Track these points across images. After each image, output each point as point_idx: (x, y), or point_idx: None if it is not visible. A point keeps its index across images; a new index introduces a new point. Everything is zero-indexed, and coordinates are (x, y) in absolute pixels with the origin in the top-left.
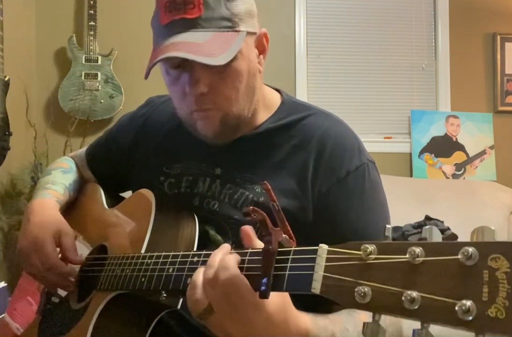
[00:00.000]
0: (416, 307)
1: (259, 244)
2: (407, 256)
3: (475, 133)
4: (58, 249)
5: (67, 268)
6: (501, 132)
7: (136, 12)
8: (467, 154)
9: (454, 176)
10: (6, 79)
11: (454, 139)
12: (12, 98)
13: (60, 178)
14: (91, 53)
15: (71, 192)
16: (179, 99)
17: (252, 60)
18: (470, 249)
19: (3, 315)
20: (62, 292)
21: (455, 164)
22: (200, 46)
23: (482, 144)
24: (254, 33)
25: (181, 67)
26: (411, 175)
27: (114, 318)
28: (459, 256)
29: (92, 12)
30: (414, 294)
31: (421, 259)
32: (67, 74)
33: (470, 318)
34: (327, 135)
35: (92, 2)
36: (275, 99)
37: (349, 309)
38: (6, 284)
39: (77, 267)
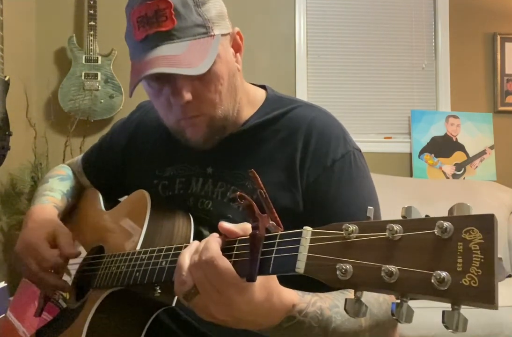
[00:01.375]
0: (394, 281)
1: (244, 230)
2: (386, 233)
3: (475, 133)
4: (56, 251)
5: (64, 264)
6: (501, 132)
7: None
8: (467, 154)
9: (454, 176)
10: (6, 79)
11: (454, 139)
12: (12, 98)
13: (58, 185)
14: (91, 53)
15: (69, 198)
16: (165, 110)
17: (230, 61)
18: (446, 223)
19: (3, 315)
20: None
21: (455, 164)
22: (179, 58)
23: (482, 144)
24: (228, 34)
25: (162, 78)
26: (411, 175)
27: (110, 316)
28: (435, 230)
29: (92, 12)
30: (393, 268)
31: (399, 234)
32: (67, 74)
33: (445, 288)
34: (312, 126)
35: (92, 2)
36: (260, 95)
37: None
38: (6, 284)
39: (75, 268)
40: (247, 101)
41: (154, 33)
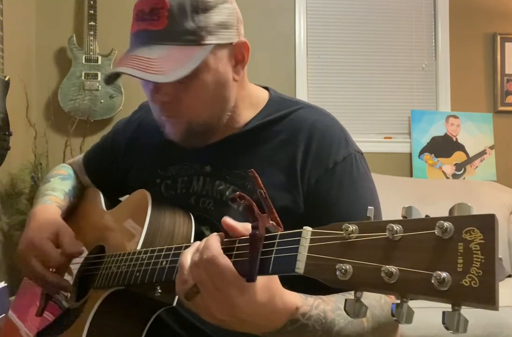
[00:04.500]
0: (394, 281)
1: (246, 229)
2: (386, 233)
3: (475, 133)
4: (59, 250)
5: (67, 263)
6: (501, 132)
7: None
8: (467, 154)
9: (454, 176)
10: (6, 79)
11: (454, 139)
12: (12, 98)
13: (59, 185)
14: (91, 53)
15: (71, 197)
16: (149, 102)
17: (221, 71)
18: (446, 223)
19: (3, 315)
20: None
21: (455, 164)
22: (151, 62)
23: (482, 144)
24: (229, 44)
25: None
26: (411, 175)
27: (110, 316)
28: (435, 230)
29: (92, 12)
30: (392, 268)
31: (399, 235)
32: (67, 74)
33: (446, 288)
34: (314, 127)
35: (92, 2)
36: (262, 97)
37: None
38: (6, 284)
39: (76, 267)
40: (249, 104)
41: (143, 30)
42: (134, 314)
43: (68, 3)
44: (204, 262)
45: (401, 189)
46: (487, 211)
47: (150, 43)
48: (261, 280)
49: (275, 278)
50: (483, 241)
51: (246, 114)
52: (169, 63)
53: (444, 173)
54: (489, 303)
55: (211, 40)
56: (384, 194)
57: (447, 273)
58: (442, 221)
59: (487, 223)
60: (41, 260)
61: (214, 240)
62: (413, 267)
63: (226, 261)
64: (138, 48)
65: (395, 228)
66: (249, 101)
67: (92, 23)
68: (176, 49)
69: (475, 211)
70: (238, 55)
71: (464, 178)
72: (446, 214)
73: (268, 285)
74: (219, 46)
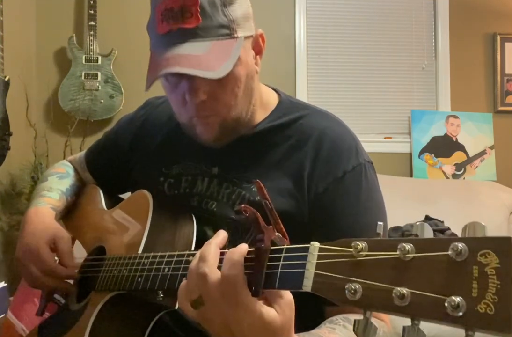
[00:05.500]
0: (406, 304)
1: None
2: (397, 252)
3: (475, 133)
4: (55, 255)
5: (65, 271)
6: (501, 132)
7: (136, 12)
8: (467, 154)
9: (454, 176)
10: (6, 79)
11: (454, 139)
12: (12, 98)
13: (57, 184)
14: (91, 53)
15: (68, 197)
16: (178, 105)
17: (249, 63)
18: (460, 245)
19: (3, 315)
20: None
21: (455, 164)
22: (200, 58)
23: (482, 144)
24: (251, 36)
25: (181, 74)
26: (411, 175)
27: (112, 319)
28: (449, 252)
29: (92, 12)
30: (404, 290)
31: (411, 255)
32: (67, 74)
33: (460, 314)
34: (324, 135)
35: (92, 2)
36: (272, 98)
37: (345, 317)
38: (6, 284)
39: (76, 269)
40: (260, 103)
41: (177, 29)
42: (135, 317)
43: (68, 3)
44: (225, 282)
45: (401, 189)
46: (487, 211)
47: (189, 40)
48: (275, 319)
49: (291, 326)
50: (498, 265)
51: (257, 115)
52: (215, 58)
53: (444, 173)
54: (506, 332)
55: (240, 32)
56: (384, 194)
57: (461, 298)
58: (456, 243)
59: (504, 246)
60: (39, 266)
61: (238, 260)
62: (426, 290)
63: (244, 282)
64: (177, 46)
65: (406, 248)
66: (260, 101)
67: (92, 23)
68: (217, 44)
69: (475, 212)
70: (257, 46)
71: (464, 178)
72: (445, 214)
73: (281, 326)
74: (245, 38)
